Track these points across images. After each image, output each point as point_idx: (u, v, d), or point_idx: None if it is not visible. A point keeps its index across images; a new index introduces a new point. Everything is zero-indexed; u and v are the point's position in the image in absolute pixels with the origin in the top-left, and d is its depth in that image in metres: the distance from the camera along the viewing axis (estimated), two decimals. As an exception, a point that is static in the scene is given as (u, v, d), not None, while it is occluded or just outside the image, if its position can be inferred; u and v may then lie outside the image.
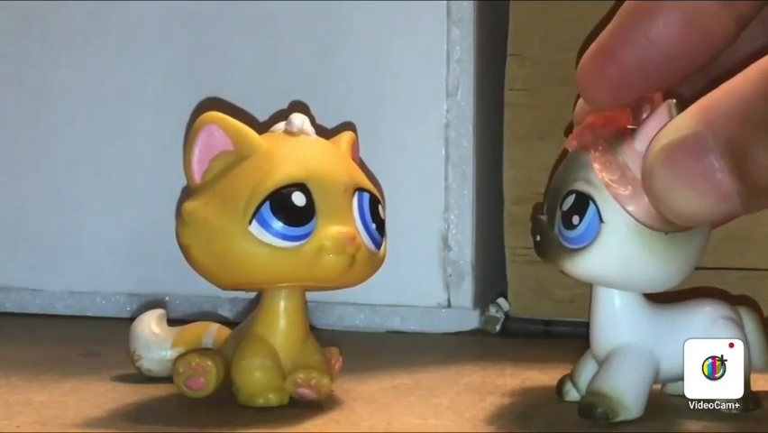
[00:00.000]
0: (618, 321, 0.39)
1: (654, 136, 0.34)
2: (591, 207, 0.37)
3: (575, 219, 0.37)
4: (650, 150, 0.34)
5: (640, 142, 0.35)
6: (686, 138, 0.33)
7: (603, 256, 0.37)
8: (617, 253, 0.37)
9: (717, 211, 0.33)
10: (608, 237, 0.37)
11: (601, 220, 0.37)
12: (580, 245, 0.37)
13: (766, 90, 0.31)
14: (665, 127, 0.34)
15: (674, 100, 0.35)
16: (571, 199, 0.37)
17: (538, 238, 0.39)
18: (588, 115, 0.38)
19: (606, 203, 0.36)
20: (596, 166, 0.36)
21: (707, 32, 0.35)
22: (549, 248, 0.38)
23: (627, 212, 0.36)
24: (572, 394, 0.40)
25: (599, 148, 0.37)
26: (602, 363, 0.39)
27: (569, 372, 0.41)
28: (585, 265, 0.37)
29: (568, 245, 0.37)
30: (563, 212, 0.37)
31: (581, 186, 0.37)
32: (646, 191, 0.34)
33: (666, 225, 0.36)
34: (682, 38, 0.35)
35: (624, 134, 0.36)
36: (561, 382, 0.41)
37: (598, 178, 0.36)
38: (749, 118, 0.32)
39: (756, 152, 0.32)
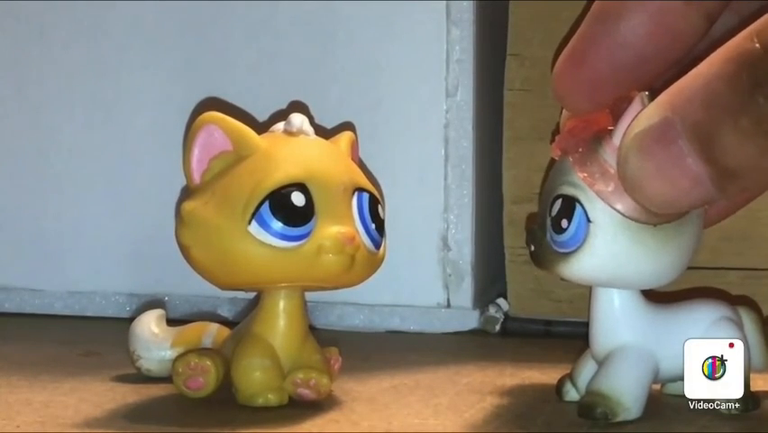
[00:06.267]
0: (618, 321, 0.39)
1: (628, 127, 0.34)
2: (578, 208, 0.37)
3: (564, 223, 0.37)
4: (623, 140, 0.34)
5: (618, 138, 0.35)
6: (656, 125, 0.33)
7: (595, 256, 0.37)
8: (608, 250, 0.37)
9: (692, 196, 0.33)
10: (598, 236, 0.37)
11: (589, 220, 0.37)
12: (572, 248, 0.37)
13: (728, 73, 0.31)
14: (637, 117, 0.34)
15: (647, 92, 0.35)
16: (558, 204, 0.37)
17: (533, 248, 0.39)
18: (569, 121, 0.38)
19: (591, 203, 0.37)
20: (576, 167, 0.37)
21: (675, 30, 0.35)
22: (544, 256, 0.38)
23: (613, 208, 0.36)
24: (572, 394, 0.40)
25: (579, 150, 0.37)
26: (601, 363, 0.39)
27: (568, 372, 0.41)
28: (579, 267, 0.37)
29: (560, 250, 0.38)
30: (552, 218, 0.38)
31: (566, 189, 0.37)
32: (621, 181, 0.34)
33: (653, 216, 0.36)
34: (651, 38, 0.35)
35: (604, 135, 0.36)
36: (560, 382, 0.41)
37: (580, 178, 0.36)
38: (713, 101, 0.31)
39: (722, 134, 0.31)
